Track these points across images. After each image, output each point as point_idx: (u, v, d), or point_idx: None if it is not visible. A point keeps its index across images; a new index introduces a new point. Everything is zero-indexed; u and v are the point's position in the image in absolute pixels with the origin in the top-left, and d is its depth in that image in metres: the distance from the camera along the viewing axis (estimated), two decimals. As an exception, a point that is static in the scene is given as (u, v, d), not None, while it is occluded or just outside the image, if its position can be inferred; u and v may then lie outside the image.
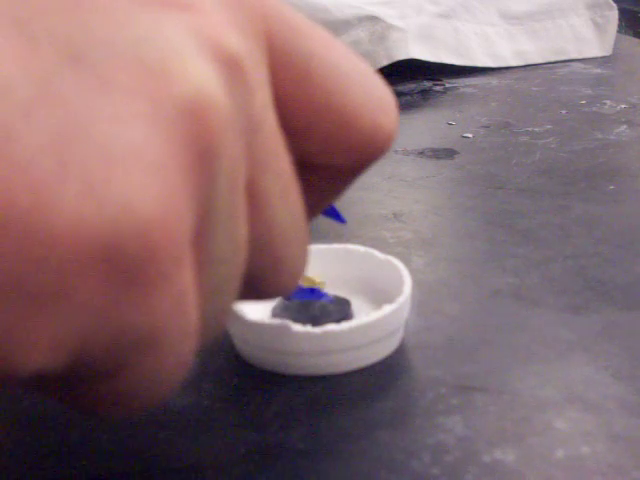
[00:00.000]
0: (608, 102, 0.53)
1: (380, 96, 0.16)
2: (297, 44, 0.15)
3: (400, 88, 0.58)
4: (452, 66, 0.62)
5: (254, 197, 0.14)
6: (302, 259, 0.17)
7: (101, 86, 0.11)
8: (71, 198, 0.11)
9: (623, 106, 0.52)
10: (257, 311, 0.25)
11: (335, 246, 0.28)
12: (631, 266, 0.29)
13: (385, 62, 0.57)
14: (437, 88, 0.59)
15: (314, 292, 0.24)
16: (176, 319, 0.12)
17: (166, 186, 0.11)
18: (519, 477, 0.19)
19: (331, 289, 0.26)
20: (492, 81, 0.61)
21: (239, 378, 0.23)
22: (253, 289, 0.16)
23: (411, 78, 0.61)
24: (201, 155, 0.12)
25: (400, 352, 0.24)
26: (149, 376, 0.13)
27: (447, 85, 0.60)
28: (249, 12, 0.14)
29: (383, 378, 0.23)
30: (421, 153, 0.44)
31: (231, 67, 0.13)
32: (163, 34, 0.12)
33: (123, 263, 0.11)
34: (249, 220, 0.14)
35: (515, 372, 0.23)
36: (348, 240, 0.29)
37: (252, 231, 0.15)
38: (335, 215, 0.22)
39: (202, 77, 0.12)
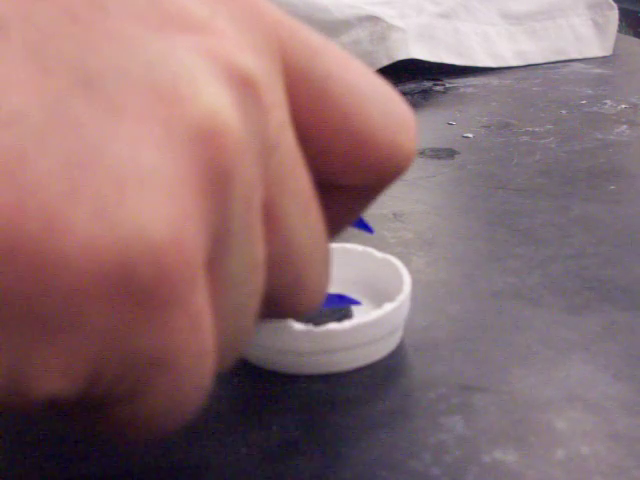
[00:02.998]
0: (608, 102, 0.53)
1: (399, 115, 0.16)
2: (313, 64, 0.15)
3: (400, 88, 0.58)
4: (452, 66, 0.62)
5: (272, 217, 0.14)
6: (324, 277, 0.17)
7: (113, 111, 0.11)
8: (82, 221, 0.11)
9: (623, 106, 0.52)
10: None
11: (333, 245, 0.28)
12: (631, 266, 0.29)
13: (385, 62, 0.57)
14: (437, 88, 0.59)
15: (342, 299, 0.24)
16: (191, 341, 0.12)
17: (178, 210, 0.11)
18: (519, 477, 0.19)
19: (330, 288, 0.26)
20: (492, 81, 0.61)
21: (239, 378, 0.23)
22: (275, 309, 0.16)
23: (411, 78, 0.61)
24: (214, 178, 0.12)
25: (400, 352, 0.24)
26: (166, 399, 0.13)
27: (447, 85, 0.60)
28: (264, 32, 0.14)
29: (383, 378, 0.23)
30: (421, 153, 0.44)
31: (245, 88, 0.13)
32: (176, 57, 0.12)
33: (135, 286, 0.11)
34: (268, 241, 0.14)
35: (515, 372, 0.23)
36: (347, 240, 0.29)
37: (272, 251, 0.15)
38: (363, 226, 0.21)
39: (215, 100, 0.12)
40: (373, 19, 0.58)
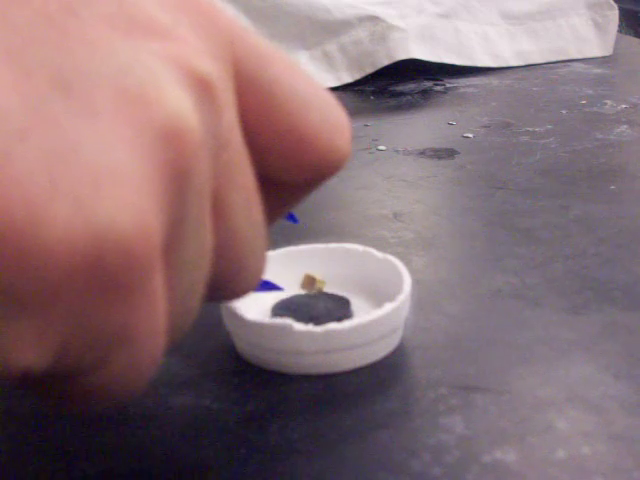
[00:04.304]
0: (609, 102, 0.53)
1: (336, 119, 0.18)
2: (261, 70, 0.17)
3: (400, 88, 0.58)
4: (452, 66, 0.62)
5: (220, 208, 0.16)
6: (261, 263, 0.18)
7: (88, 113, 0.13)
8: (61, 213, 0.12)
9: (624, 106, 0.52)
10: (257, 311, 0.25)
11: (333, 245, 0.28)
12: (631, 266, 0.29)
13: (386, 62, 0.57)
14: (437, 88, 0.59)
15: (268, 285, 0.25)
16: (148, 320, 0.14)
17: (144, 203, 0.13)
18: (519, 477, 0.19)
19: (330, 288, 0.26)
20: (492, 81, 0.61)
21: (239, 378, 0.23)
22: (217, 292, 0.17)
23: (411, 78, 0.61)
24: (175, 175, 0.13)
25: (400, 352, 0.24)
26: (124, 371, 0.14)
27: (447, 85, 0.60)
28: (219, 39, 0.16)
29: (383, 378, 0.23)
30: (422, 153, 0.44)
31: (203, 90, 0.14)
32: (143, 62, 0.14)
33: (106, 271, 0.12)
34: (214, 229, 0.16)
35: (515, 372, 0.23)
36: (348, 240, 0.29)
37: (217, 239, 0.16)
38: (289, 216, 0.23)
39: (178, 103, 0.14)
40: (373, 19, 0.58)
